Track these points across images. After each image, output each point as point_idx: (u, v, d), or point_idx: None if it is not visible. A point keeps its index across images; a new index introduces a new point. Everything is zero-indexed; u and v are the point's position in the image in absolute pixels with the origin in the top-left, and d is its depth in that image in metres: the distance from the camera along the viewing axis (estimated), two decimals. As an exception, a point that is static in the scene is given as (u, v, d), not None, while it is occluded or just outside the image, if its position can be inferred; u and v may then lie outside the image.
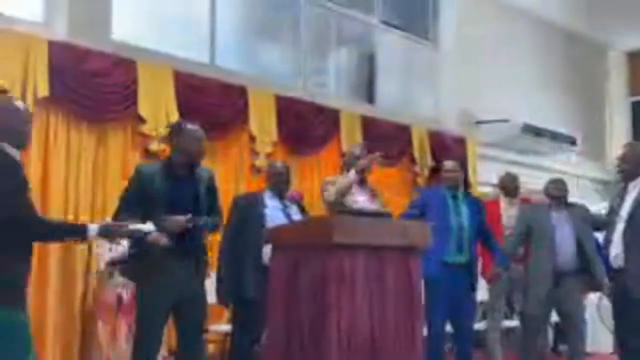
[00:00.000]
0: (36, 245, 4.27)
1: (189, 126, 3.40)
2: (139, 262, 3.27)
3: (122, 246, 4.26)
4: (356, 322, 2.86)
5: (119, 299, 4.29)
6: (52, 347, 4.42)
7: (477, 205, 4.59)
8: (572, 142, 8.59)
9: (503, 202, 5.41)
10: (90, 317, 4.54)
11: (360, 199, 3.91)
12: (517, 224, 4.70)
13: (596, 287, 4.51)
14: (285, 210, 3.91)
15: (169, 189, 3.27)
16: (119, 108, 4.87)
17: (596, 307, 6.89)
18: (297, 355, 2.89)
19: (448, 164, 4.59)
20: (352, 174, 3.94)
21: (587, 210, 4.63)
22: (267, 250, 3.58)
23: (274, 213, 3.84)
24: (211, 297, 4.14)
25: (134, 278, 3.41)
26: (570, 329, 4.45)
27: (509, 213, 5.42)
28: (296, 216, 3.93)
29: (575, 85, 9.61)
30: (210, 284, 3.87)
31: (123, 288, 4.29)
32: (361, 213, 3.37)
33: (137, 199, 3.27)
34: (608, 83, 10.54)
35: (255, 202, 3.93)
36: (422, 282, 4.14)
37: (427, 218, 4.20)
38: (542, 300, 4.37)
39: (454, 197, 4.43)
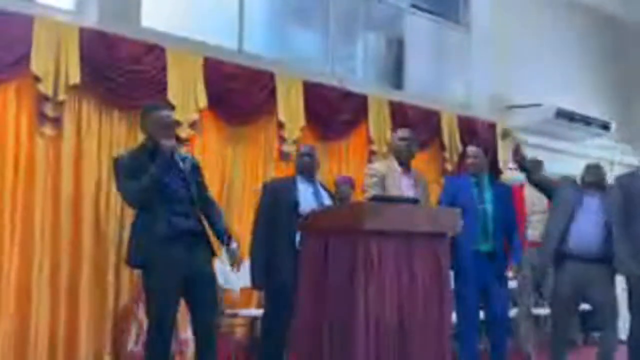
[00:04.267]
0: (68, 239, 4.42)
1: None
2: (141, 248, 3.31)
3: None
4: (384, 309, 2.86)
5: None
6: (85, 347, 4.47)
7: (504, 192, 4.51)
8: (606, 127, 8.41)
9: (527, 188, 5.36)
10: (124, 311, 4.61)
11: (403, 184, 3.92)
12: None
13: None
14: (316, 194, 3.91)
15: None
16: (149, 95, 4.90)
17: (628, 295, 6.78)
18: (325, 341, 2.89)
19: (470, 150, 4.53)
20: (394, 163, 3.96)
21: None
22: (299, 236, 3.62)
23: (306, 197, 3.84)
24: (245, 281, 4.19)
25: (138, 265, 3.43)
26: (601, 317, 4.38)
27: (531, 198, 5.37)
28: (327, 201, 3.94)
29: (610, 69, 9.38)
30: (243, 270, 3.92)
31: None
32: (392, 199, 3.35)
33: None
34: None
35: (287, 186, 3.93)
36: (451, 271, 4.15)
37: (455, 205, 4.16)
38: (570, 286, 4.30)
39: (478, 184, 4.37)
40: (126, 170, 3.37)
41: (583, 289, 4.27)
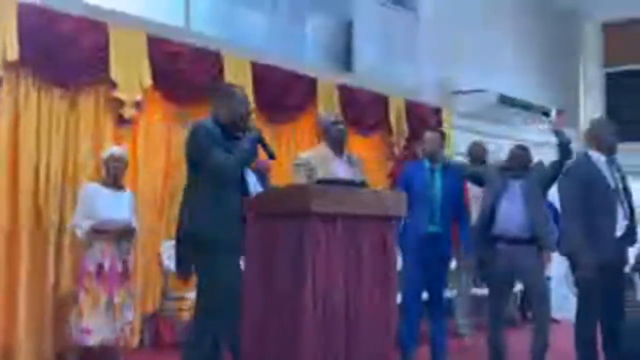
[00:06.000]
0: (6, 225, 4.26)
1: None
2: (218, 225, 3.19)
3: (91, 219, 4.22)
4: (332, 291, 2.88)
5: (100, 267, 4.25)
6: (24, 328, 4.36)
7: (455, 176, 4.60)
8: (546, 113, 8.66)
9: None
10: (63, 297, 4.50)
11: (339, 168, 3.89)
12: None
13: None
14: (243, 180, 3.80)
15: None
16: (90, 73, 4.76)
17: (564, 275, 7.05)
18: (273, 323, 2.90)
19: (427, 135, 4.61)
20: (326, 149, 3.89)
21: (543, 169, 4.60)
22: None
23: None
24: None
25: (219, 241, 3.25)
26: (533, 295, 4.55)
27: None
28: (258, 188, 3.81)
29: (551, 56, 9.66)
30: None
31: (103, 257, 4.25)
32: (339, 182, 3.36)
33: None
34: (583, 54, 10.61)
35: None
36: (399, 252, 4.22)
37: (409, 190, 4.23)
38: (502, 267, 4.45)
39: (431, 168, 4.47)
40: (215, 142, 3.22)
41: (514, 270, 4.43)
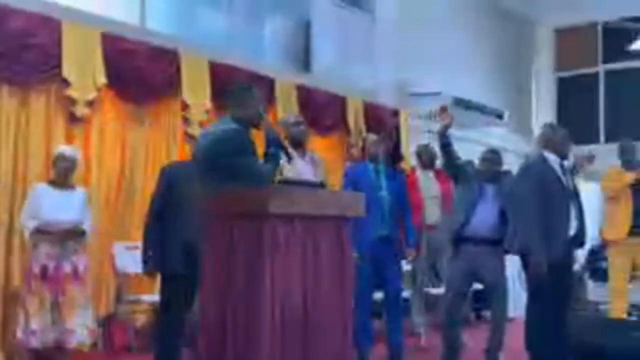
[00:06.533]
0: None
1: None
2: None
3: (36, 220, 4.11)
4: (290, 292, 2.87)
5: (44, 269, 4.14)
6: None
7: (398, 178, 4.69)
8: (500, 115, 8.85)
9: (418, 172, 5.60)
10: (12, 298, 4.37)
11: (301, 170, 3.90)
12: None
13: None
14: None
15: None
16: (42, 70, 4.63)
17: (518, 273, 7.21)
18: (230, 325, 2.87)
19: (369, 137, 4.72)
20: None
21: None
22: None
23: None
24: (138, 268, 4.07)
25: None
26: (494, 295, 4.63)
27: (425, 184, 5.60)
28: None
29: (505, 60, 9.87)
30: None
31: (48, 258, 4.14)
32: (297, 183, 3.36)
33: None
34: (536, 59, 10.89)
35: (184, 171, 3.78)
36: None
37: (356, 191, 4.26)
38: (465, 268, 4.53)
39: (376, 171, 4.53)
40: (252, 149, 3.08)
41: (476, 270, 4.51)
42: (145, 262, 3.80)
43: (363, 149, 7.02)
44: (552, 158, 4.21)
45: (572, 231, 4.13)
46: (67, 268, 4.19)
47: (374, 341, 4.60)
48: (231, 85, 3.38)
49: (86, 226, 4.30)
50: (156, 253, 3.73)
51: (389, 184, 4.52)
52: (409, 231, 4.61)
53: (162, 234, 3.71)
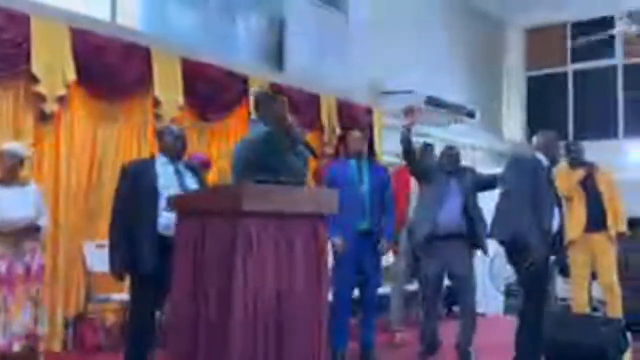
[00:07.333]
0: None
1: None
2: None
3: None
4: (263, 290, 2.86)
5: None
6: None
7: (381, 174, 4.70)
8: (471, 114, 8.95)
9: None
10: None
11: None
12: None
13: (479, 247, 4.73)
14: (178, 175, 3.73)
15: None
16: (10, 66, 4.54)
17: (488, 271, 7.30)
18: (202, 324, 2.85)
19: (354, 133, 4.71)
20: None
21: (474, 172, 4.80)
22: (162, 220, 3.51)
23: (167, 179, 3.66)
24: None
25: None
26: (462, 290, 4.68)
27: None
28: (192, 185, 3.74)
29: (477, 60, 9.98)
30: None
31: (1, 260, 4.03)
32: (271, 180, 3.34)
33: None
34: (506, 58, 11.03)
35: (147, 169, 3.72)
36: (331, 250, 4.24)
37: (335, 187, 4.26)
38: (437, 264, 4.57)
39: (358, 166, 4.54)
40: (284, 148, 3.42)
41: (447, 266, 4.56)
42: (112, 263, 3.71)
43: (337, 147, 7.08)
44: (543, 160, 4.27)
45: (555, 229, 4.18)
46: (20, 269, 4.07)
47: (348, 340, 4.60)
48: (259, 94, 3.78)
49: (42, 222, 4.19)
50: (124, 253, 3.65)
51: (371, 179, 4.53)
52: (387, 225, 4.62)
53: (129, 234, 3.63)
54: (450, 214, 4.53)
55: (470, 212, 4.55)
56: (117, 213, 3.70)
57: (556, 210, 4.20)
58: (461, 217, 4.53)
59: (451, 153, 4.74)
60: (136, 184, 3.65)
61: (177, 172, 3.75)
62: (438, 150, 5.25)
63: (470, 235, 4.55)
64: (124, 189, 3.70)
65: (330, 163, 5.58)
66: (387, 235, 4.60)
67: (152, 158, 3.86)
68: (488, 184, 4.65)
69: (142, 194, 3.62)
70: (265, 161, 3.30)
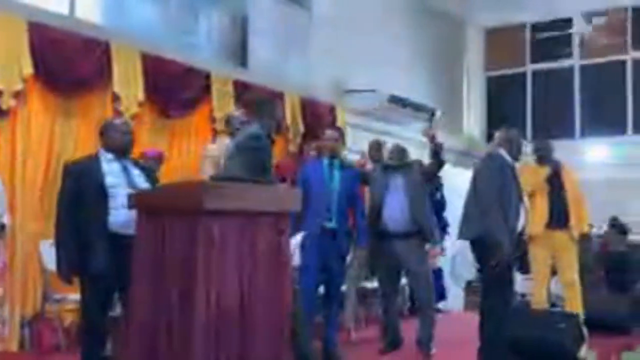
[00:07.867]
0: None
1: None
2: None
3: None
4: (225, 289, 2.84)
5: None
6: None
7: (352, 174, 4.72)
8: (432, 113, 9.05)
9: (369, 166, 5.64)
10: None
11: None
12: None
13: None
14: (125, 171, 3.59)
15: None
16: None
17: (450, 270, 7.41)
18: (163, 324, 2.82)
19: (328, 132, 4.73)
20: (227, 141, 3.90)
21: (421, 165, 4.87)
22: (112, 219, 3.41)
23: (113, 176, 3.53)
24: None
25: None
26: (418, 286, 4.75)
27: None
28: (142, 183, 3.59)
29: (438, 59, 10.08)
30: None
31: None
32: (233, 179, 3.32)
33: None
34: (466, 58, 11.18)
35: (91, 167, 3.57)
36: (298, 247, 4.24)
37: (306, 187, 4.31)
38: (389, 261, 4.64)
39: (330, 165, 4.56)
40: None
41: (401, 263, 4.63)
42: (59, 264, 3.53)
43: (301, 145, 7.06)
44: (507, 157, 4.33)
45: (519, 228, 4.25)
46: None
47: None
48: (255, 98, 3.99)
49: (5, 219, 4.08)
50: (71, 254, 3.49)
51: (342, 178, 4.55)
52: (360, 230, 4.64)
53: (77, 234, 3.51)
54: (394, 212, 4.61)
55: (417, 209, 4.61)
56: (62, 213, 3.54)
57: (521, 209, 4.28)
58: (409, 215, 4.59)
59: (398, 150, 4.84)
60: (81, 183, 3.52)
61: (125, 169, 3.60)
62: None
63: (418, 231, 4.62)
64: (68, 188, 3.55)
65: (306, 163, 5.57)
66: (362, 241, 4.65)
67: (96, 155, 3.66)
68: (433, 171, 4.76)
69: (88, 193, 3.49)
70: (254, 156, 3.42)
